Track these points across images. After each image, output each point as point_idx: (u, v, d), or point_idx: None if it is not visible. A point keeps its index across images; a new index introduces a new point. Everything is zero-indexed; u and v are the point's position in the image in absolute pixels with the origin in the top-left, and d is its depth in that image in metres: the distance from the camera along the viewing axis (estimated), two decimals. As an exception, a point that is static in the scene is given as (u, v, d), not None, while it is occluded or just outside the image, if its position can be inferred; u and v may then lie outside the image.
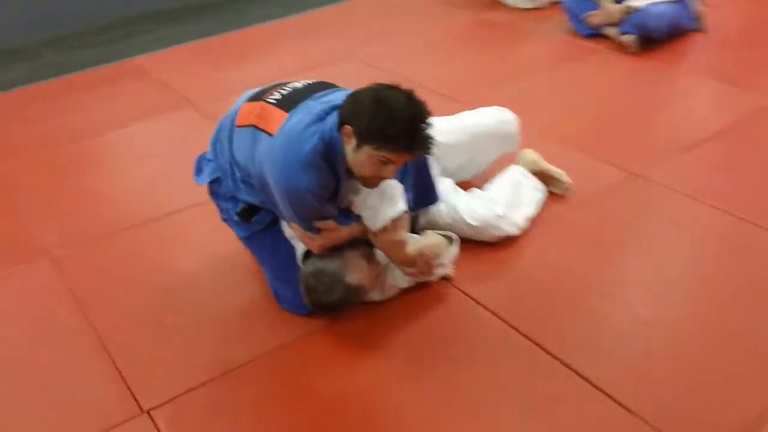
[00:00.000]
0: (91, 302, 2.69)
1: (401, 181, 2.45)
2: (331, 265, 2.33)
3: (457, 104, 3.77)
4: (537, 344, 2.31)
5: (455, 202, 2.76)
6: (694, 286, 2.58)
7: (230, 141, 2.32)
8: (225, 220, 2.55)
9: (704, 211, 2.89)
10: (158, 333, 2.52)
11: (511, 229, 2.77)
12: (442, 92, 4.02)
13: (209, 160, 2.43)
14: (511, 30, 4.95)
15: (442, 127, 2.79)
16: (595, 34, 4.56)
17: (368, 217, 2.30)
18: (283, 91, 2.30)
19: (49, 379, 2.37)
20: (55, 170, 3.70)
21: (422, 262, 2.45)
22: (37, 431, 2.20)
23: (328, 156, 2.14)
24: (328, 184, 2.18)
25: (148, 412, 2.20)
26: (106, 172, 3.71)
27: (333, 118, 2.15)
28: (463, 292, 2.56)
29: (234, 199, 2.40)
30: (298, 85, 2.34)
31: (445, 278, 2.61)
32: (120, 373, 2.35)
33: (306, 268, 2.38)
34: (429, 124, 2.09)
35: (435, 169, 2.78)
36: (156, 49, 5.17)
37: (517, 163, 3.01)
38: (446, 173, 2.91)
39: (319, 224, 2.27)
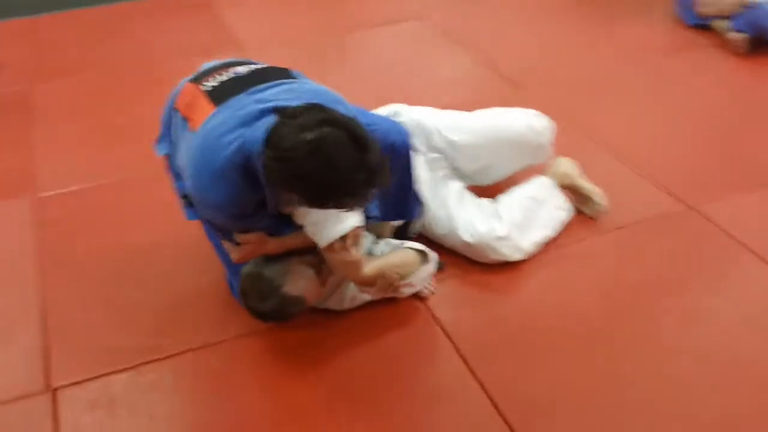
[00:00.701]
0: (53, 255, 2.55)
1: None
2: (271, 270, 2.05)
3: (518, 92, 3.39)
4: (497, 409, 1.94)
5: (455, 213, 2.41)
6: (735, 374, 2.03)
7: (170, 121, 2.06)
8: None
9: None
10: (103, 306, 2.34)
11: (513, 254, 2.39)
12: (507, 74, 3.61)
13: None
14: (613, 10, 4.37)
15: (462, 124, 2.51)
16: (703, 24, 3.95)
17: (312, 233, 1.97)
18: (221, 78, 1.96)
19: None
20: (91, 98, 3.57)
21: (383, 284, 2.14)
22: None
23: (249, 168, 1.78)
24: (244, 200, 1.85)
25: (54, 391, 2.04)
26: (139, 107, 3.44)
27: (263, 125, 1.76)
28: (434, 317, 2.24)
29: (181, 178, 2.10)
30: (241, 70, 1.99)
31: (418, 296, 2.29)
32: (46, 341, 2.20)
33: (246, 267, 2.10)
34: (375, 183, 1.73)
35: (426, 173, 2.44)
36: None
37: (546, 173, 2.60)
38: (460, 175, 2.56)
39: (240, 238, 1.99)
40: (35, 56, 4.13)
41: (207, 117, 1.86)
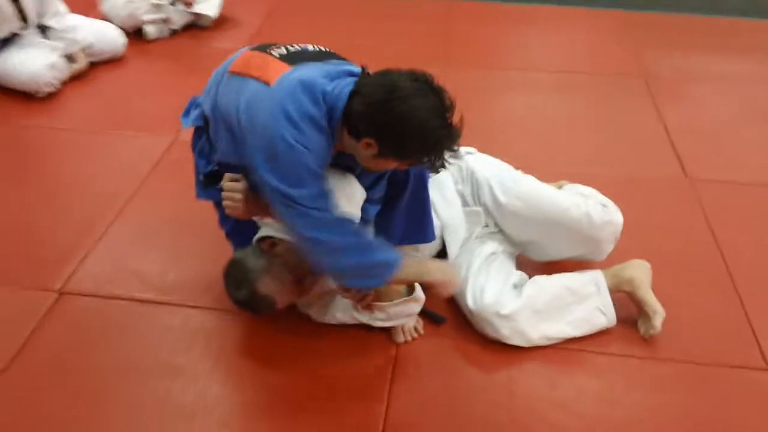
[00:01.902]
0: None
1: (392, 213, 2.18)
2: (253, 262, 2.12)
3: (682, 182, 3.02)
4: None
5: (472, 274, 2.29)
6: None
7: (217, 87, 2.08)
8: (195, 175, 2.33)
9: None
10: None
11: (512, 337, 2.21)
12: (690, 161, 3.21)
13: (198, 105, 2.28)
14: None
15: (515, 188, 2.37)
16: None
17: None
18: (290, 48, 2.03)
19: None
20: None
21: (356, 293, 2.12)
22: None
23: (329, 122, 1.85)
24: (323, 151, 1.86)
25: None
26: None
27: (343, 85, 1.84)
28: (394, 368, 2.16)
29: (207, 157, 2.26)
30: (309, 47, 2.08)
31: (391, 332, 2.24)
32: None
33: (237, 253, 2.21)
34: (457, 137, 1.82)
35: (462, 226, 2.36)
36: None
37: (606, 270, 2.34)
38: (509, 240, 2.42)
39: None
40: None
41: (285, 72, 1.89)
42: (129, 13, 4.26)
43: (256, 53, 2.00)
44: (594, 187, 2.52)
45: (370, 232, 2.17)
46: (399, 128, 1.75)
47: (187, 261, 2.51)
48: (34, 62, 3.55)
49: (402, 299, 2.15)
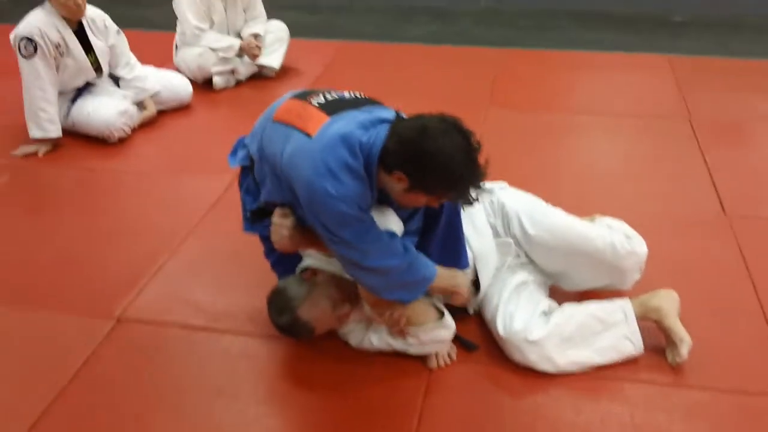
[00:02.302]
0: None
1: (428, 242, 2.29)
2: (294, 290, 2.28)
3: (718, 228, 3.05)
4: None
5: (503, 302, 2.38)
6: None
7: (263, 132, 2.24)
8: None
9: None
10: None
11: (540, 363, 2.28)
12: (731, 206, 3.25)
13: (244, 146, 2.44)
14: None
15: (543, 220, 2.47)
16: None
17: None
18: (328, 96, 2.18)
19: None
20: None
21: (389, 319, 2.23)
22: None
23: (367, 166, 2.01)
24: (363, 196, 2.02)
25: None
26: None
27: (377, 132, 2.01)
28: (426, 391, 2.25)
29: (253, 194, 2.38)
30: (346, 94, 2.24)
31: (425, 359, 2.34)
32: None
33: (280, 282, 2.37)
34: (481, 174, 1.95)
35: (494, 256, 2.45)
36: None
37: (634, 299, 2.40)
38: (540, 270, 2.51)
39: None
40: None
41: (323, 124, 2.05)
42: (198, 66, 4.55)
43: (298, 102, 2.16)
44: (633, 222, 2.60)
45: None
46: (427, 163, 1.89)
47: (235, 291, 2.67)
48: (107, 109, 3.84)
49: (432, 324, 2.26)
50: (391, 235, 2.11)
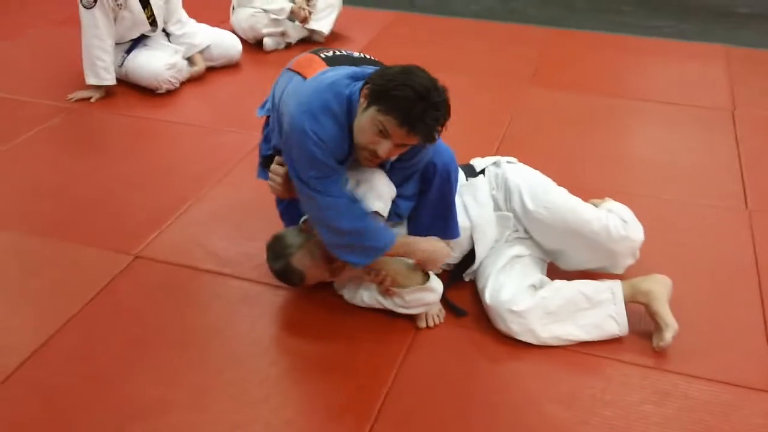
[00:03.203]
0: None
1: (419, 208, 2.40)
2: (291, 238, 2.40)
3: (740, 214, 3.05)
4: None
5: (494, 273, 2.45)
6: None
7: (277, 81, 2.42)
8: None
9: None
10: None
11: (522, 334, 2.35)
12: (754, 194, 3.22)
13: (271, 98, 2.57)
14: None
15: (543, 197, 2.52)
16: None
17: None
18: (337, 52, 2.33)
19: None
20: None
21: (374, 277, 2.35)
22: None
23: (349, 116, 2.11)
24: (338, 142, 2.10)
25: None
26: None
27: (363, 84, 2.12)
28: (408, 349, 2.35)
29: (267, 140, 2.55)
30: (355, 54, 2.35)
31: (415, 318, 2.44)
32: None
33: (282, 230, 2.49)
34: (439, 113, 1.98)
35: (493, 228, 2.53)
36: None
37: (625, 281, 2.44)
38: (538, 246, 2.57)
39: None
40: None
41: (320, 71, 2.21)
42: (251, 26, 4.69)
43: (310, 55, 2.33)
44: (651, 208, 2.66)
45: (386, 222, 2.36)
46: (387, 82, 1.98)
47: (247, 240, 2.80)
48: (158, 62, 4.02)
49: (416, 287, 2.35)
50: (353, 200, 2.19)
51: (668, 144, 3.69)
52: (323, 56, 2.30)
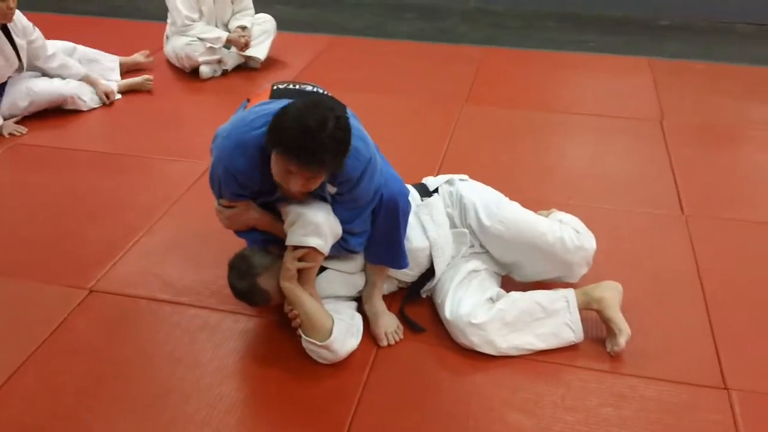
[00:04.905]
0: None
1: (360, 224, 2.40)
2: (258, 259, 2.40)
3: (678, 220, 3.19)
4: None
5: (453, 288, 2.51)
6: None
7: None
8: None
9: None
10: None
11: (482, 346, 2.41)
12: (688, 201, 3.37)
13: None
14: None
15: (498, 213, 2.58)
16: None
17: (285, 228, 2.32)
18: (290, 86, 2.37)
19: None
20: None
21: (289, 311, 2.38)
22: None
23: (262, 151, 2.16)
24: (249, 177, 2.22)
25: None
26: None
27: None
28: (370, 377, 2.38)
29: None
30: (308, 87, 2.38)
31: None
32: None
33: (245, 249, 2.48)
34: (326, 145, 1.99)
35: (450, 245, 2.60)
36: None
37: (577, 289, 2.53)
38: (495, 261, 2.64)
39: (225, 202, 2.36)
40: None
41: (259, 102, 2.29)
42: (187, 54, 4.69)
43: (269, 85, 2.39)
44: (591, 216, 2.75)
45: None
46: (278, 119, 2.03)
47: (202, 269, 2.81)
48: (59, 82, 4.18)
49: (312, 341, 2.32)
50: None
51: (602, 155, 3.83)
52: (274, 88, 2.35)
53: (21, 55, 4.03)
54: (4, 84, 4.06)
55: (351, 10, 6.40)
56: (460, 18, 6.22)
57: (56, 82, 4.17)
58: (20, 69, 4.08)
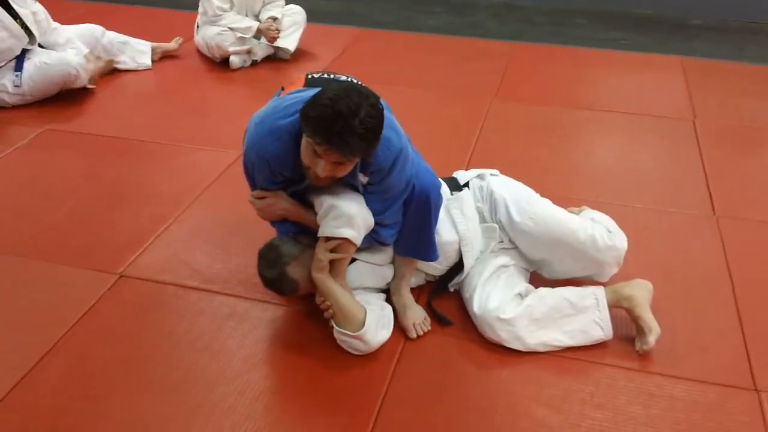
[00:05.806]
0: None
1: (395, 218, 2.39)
2: (287, 248, 2.40)
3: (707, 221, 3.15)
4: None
5: (481, 283, 2.49)
6: None
7: None
8: None
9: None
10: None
11: (510, 341, 2.40)
12: (719, 200, 3.33)
13: None
14: None
15: (529, 209, 2.55)
16: None
17: (318, 219, 2.31)
18: (324, 75, 2.37)
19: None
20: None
21: (321, 302, 2.37)
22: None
23: (296, 137, 2.17)
24: (281, 163, 2.24)
25: None
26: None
27: None
28: (397, 369, 2.37)
29: None
30: (342, 77, 2.37)
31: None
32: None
33: (273, 239, 2.49)
34: (357, 128, 1.96)
35: (479, 239, 2.58)
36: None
37: (608, 287, 2.51)
38: (524, 257, 2.62)
39: (257, 193, 2.39)
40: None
41: (293, 90, 2.30)
42: (217, 44, 4.69)
43: (302, 76, 2.38)
44: (621, 215, 2.73)
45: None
46: (311, 104, 2.01)
47: (230, 257, 2.82)
48: (60, 54, 4.15)
49: (345, 331, 2.32)
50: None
51: (633, 153, 3.79)
52: (309, 77, 2.35)
53: (29, 26, 3.99)
54: (22, 59, 4.03)
55: (379, 2, 6.39)
56: (487, 13, 6.19)
57: (57, 55, 4.11)
58: (33, 41, 4.06)
